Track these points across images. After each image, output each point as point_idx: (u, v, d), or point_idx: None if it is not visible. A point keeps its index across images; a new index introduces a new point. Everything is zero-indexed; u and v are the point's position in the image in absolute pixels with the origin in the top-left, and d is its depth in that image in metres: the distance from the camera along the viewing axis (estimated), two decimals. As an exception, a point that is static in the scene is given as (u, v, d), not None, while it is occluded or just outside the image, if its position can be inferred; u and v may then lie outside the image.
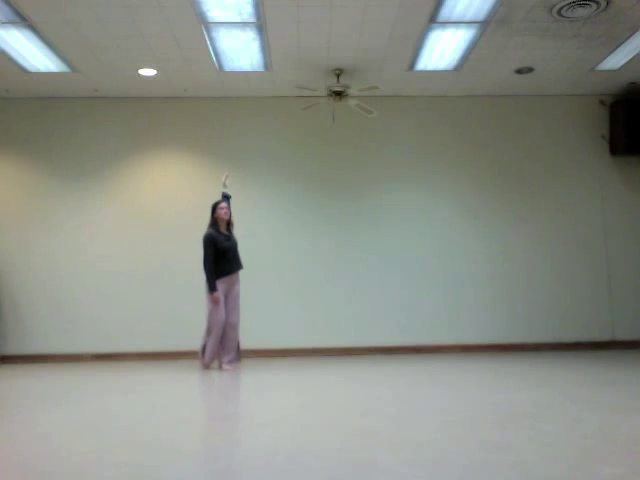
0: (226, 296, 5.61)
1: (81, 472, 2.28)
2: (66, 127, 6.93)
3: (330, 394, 4.12)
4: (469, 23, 5.26)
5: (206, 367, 5.58)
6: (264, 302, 6.72)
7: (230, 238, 5.72)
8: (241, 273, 5.78)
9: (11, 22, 5.10)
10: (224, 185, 5.88)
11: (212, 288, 5.50)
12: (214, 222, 5.67)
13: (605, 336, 6.84)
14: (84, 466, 2.36)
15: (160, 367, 5.90)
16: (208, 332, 5.55)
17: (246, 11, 4.98)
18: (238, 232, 5.88)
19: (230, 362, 5.59)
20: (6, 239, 6.78)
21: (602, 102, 7.11)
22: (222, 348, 5.59)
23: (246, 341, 6.09)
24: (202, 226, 5.75)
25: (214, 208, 5.71)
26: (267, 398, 4.04)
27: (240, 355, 5.79)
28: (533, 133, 7.11)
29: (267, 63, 6.05)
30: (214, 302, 5.48)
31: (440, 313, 6.83)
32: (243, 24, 5.21)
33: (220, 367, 5.56)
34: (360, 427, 2.99)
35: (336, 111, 6.64)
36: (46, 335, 6.64)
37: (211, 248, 5.54)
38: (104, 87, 6.66)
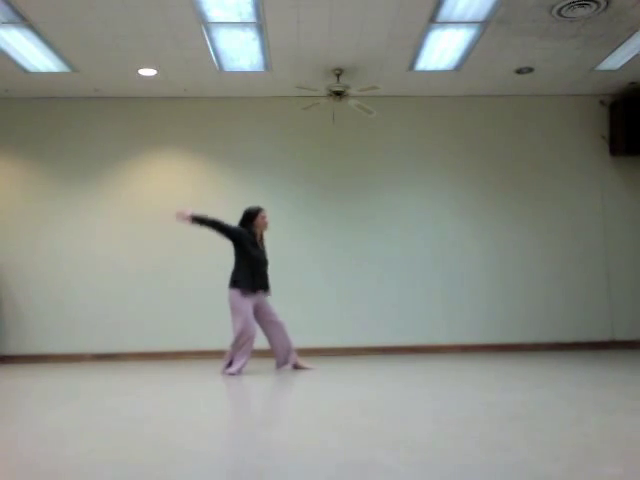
0: (257, 311, 5.17)
1: (81, 472, 2.28)
2: (66, 127, 6.93)
3: (329, 394, 4.12)
4: (469, 23, 5.27)
5: (238, 373, 5.05)
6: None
7: (262, 252, 5.24)
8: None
9: (11, 22, 5.10)
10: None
11: (196, 217, 4.94)
12: (250, 229, 5.14)
13: (604, 336, 6.84)
14: (84, 466, 2.36)
15: (160, 367, 5.90)
16: (235, 345, 5.07)
17: (246, 11, 4.98)
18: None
19: (239, 370, 5.06)
20: (6, 239, 6.78)
21: (602, 102, 7.12)
22: (237, 351, 5.07)
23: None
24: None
25: (255, 215, 5.15)
26: (266, 398, 4.04)
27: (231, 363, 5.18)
28: (533, 133, 7.11)
29: (267, 63, 6.06)
30: (178, 216, 4.96)
31: (438, 313, 6.84)
32: (243, 24, 5.21)
33: (225, 371, 5.11)
34: (359, 427, 2.99)
35: (336, 111, 6.65)
36: (46, 335, 6.64)
37: (240, 235, 5.03)
38: (104, 87, 6.66)
